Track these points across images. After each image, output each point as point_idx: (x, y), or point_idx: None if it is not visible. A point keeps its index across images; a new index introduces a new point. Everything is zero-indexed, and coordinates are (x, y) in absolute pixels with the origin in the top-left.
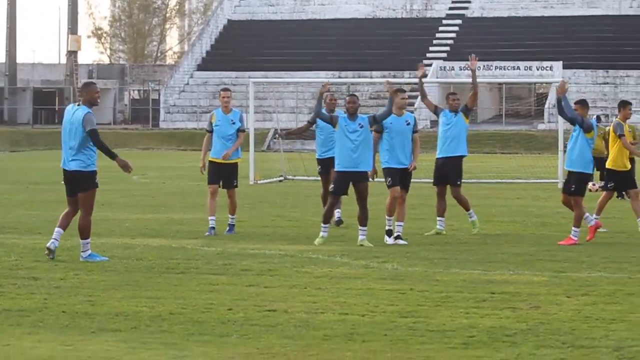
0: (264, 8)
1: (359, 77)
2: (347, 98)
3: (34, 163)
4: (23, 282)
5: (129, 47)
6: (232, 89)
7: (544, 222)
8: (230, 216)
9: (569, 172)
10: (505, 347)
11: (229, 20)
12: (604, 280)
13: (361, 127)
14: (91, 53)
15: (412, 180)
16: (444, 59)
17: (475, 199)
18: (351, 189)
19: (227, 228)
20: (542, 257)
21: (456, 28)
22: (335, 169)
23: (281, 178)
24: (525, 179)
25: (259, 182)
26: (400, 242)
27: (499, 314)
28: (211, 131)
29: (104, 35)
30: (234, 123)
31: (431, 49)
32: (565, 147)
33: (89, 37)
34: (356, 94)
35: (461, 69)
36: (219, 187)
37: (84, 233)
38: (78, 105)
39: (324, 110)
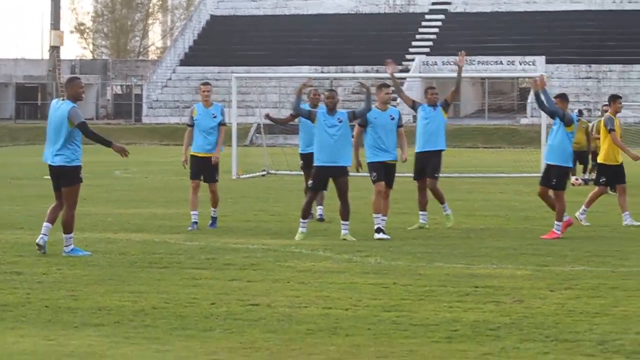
0: (247, 3)
1: (342, 72)
2: (326, 93)
3: (16, 158)
4: (5, 277)
5: (111, 43)
6: (215, 84)
7: (527, 216)
8: (212, 209)
9: (549, 165)
10: (489, 341)
11: (211, 16)
12: (587, 274)
13: (340, 122)
14: (74, 48)
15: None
16: (427, 54)
17: (458, 194)
18: (332, 185)
19: (210, 221)
20: (526, 251)
21: (439, 23)
22: (314, 164)
23: (264, 173)
24: (508, 173)
25: (241, 176)
26: (384, 236)
27: (483, 307)
28: (192, 125)
29: (87, 30)
30: (215, 117)
31: (414, 44)
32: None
33: (71, 32)
34: (337, 89)
35: (444, 64)
36: (201, 181)
37: (67, 228)
38: (63, 100)
39: (307, 106)
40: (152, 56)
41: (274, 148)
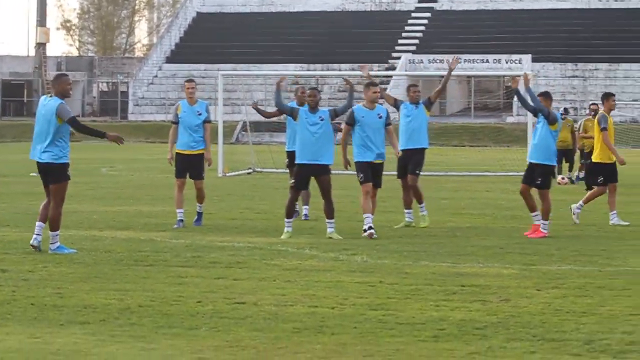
0: (233, 0)
1: (328, 69)
2: (308, 92)
3: (2, 155)
4: None
5: (97, 40)
6: (201, 81)
7: (514, 214)
8: (198, 204)
9: (532, 164)
10: (476, 340)
11: (198, 13)
12: (574, 273)
13: (322, 120)
14: (60, 45)
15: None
16: (413, 52)
17: (444, 192)
18: (314, 184)
19: (196, 217)
20: (512, 250)
21: (425, 21)
22: (296, 162)
23: (250, 170)
24: (494, 172)
25: (227, 174)
26: (372, 233)
27: (469, 306)
28: (177, 122)
29: (73, 27)
30: (200, 114)
31: (400, 42)
32: None
33: (57, 29)
34: (324, 87)
35: (430, 62)
36: (187, 178)
37: (54, 225)
38: (50, 97)
39: (294, 104)
40: (138, 53)
41: (259, 146)
